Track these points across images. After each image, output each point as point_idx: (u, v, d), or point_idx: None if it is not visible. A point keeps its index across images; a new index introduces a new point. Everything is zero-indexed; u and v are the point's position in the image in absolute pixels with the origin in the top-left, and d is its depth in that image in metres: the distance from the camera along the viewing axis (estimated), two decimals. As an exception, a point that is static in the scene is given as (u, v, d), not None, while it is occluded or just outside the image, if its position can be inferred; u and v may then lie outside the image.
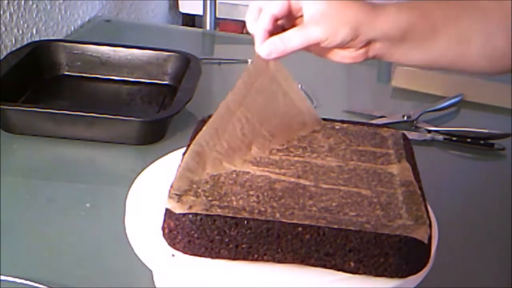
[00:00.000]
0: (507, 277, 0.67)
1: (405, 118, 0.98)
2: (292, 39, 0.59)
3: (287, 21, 0.63)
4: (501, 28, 0.61)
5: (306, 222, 0.52)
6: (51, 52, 1.03)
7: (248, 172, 0.58)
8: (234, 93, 0.62)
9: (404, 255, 0.51)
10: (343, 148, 0.64)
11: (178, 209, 0.52)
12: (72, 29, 1.29)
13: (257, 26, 0.61)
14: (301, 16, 0.60)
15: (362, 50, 0.61)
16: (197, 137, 0.59)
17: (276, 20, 0.61)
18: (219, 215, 0.52)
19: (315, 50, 0.63)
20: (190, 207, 0.52)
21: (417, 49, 0.62)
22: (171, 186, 0.55)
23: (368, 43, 0.60)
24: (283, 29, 0.62)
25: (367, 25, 0.59)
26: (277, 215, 0.52)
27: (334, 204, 0.55)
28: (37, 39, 1.14)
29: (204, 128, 0.60)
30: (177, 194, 0.53)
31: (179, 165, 0.58)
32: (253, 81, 0.63)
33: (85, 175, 0.81)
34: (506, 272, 0.67)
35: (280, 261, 0.53)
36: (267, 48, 0.60)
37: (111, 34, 1.32)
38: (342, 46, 0.60)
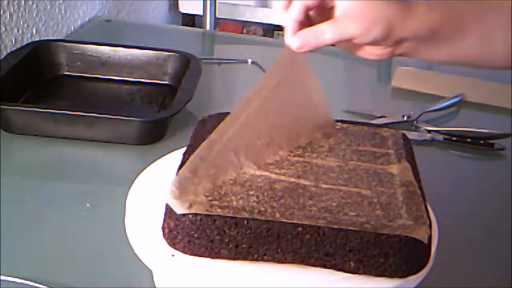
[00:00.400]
0: (507, 277, 0.67)
1: (405, 118, 0.98)
2: (326, 33, 0.58)
3: (315, 12, 0.61)
4: None
5: (306, 222, 0.52)
6: (51, 52, 1.03)
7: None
8: (259, 83, 0.60)
9: (404, 255, 0.51)
10: (343, 148, 0.64)
11: (178, 207, 0.52)
12: (72, 29, 1.29)
13: (288, 16, 0.59)
14: (332, 8, 0.59)
15: (390, 48, 0.61)
16: (219, 125, 0.59)
17: (308, 10, 0.60)
18: (219, 215, 0.52)
19: (343, 44, 0.62)
20: (190, 206, 0.52)
21: (443, 48, 0.62)
22: (176, 174, 0.55)
23: (397, 42, 0.60)
24: (309, 19, 0.61)
25: (399, 25, 0.58)
26: (277, 215, 0.52)
27: (334, 204, 0.55)
28: (37, 39, 1.14)
29: (227, 117, 0.59)
30: (178, 189, 0.53)
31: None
32: (279, 72, 0.61)
33: (85, 175, 0.81)
34: (506, 272, 0.67)
35: (280, 261, 0.53)
36: (299, 40, 0.59)
37: (111, 34, 1.32)
38: (372, 44, 0.60)
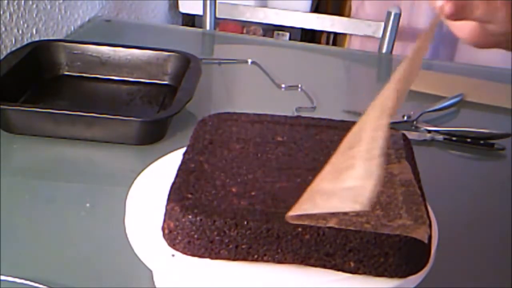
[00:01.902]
0: (507, 277, 0.67)
1: (405, 118, 0.98)
2: (478, 10, 0.56)
3: None
4: None
5: (306, 222, 0.52)
6: (51, 52, 1.03)
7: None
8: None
9: (404, 255, 0.51)
10: (343, 148, 0.64)
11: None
12: (72, 29, 1.29)
13: None
14: None
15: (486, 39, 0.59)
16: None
17: None
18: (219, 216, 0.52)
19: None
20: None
21: None
22: None
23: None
24: None
25: None
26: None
27: (334, 204, 0.55)
28: (37, 39, 1.14)
29: None
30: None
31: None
32: (422, 41, 0.57)
33: (85, 175, 0.81)
34: (506, 272, 0.67)
35: (280, 261, 0.53)
36: (454, 7, 0.55)
37: (111, 34, 1.32)
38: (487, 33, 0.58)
